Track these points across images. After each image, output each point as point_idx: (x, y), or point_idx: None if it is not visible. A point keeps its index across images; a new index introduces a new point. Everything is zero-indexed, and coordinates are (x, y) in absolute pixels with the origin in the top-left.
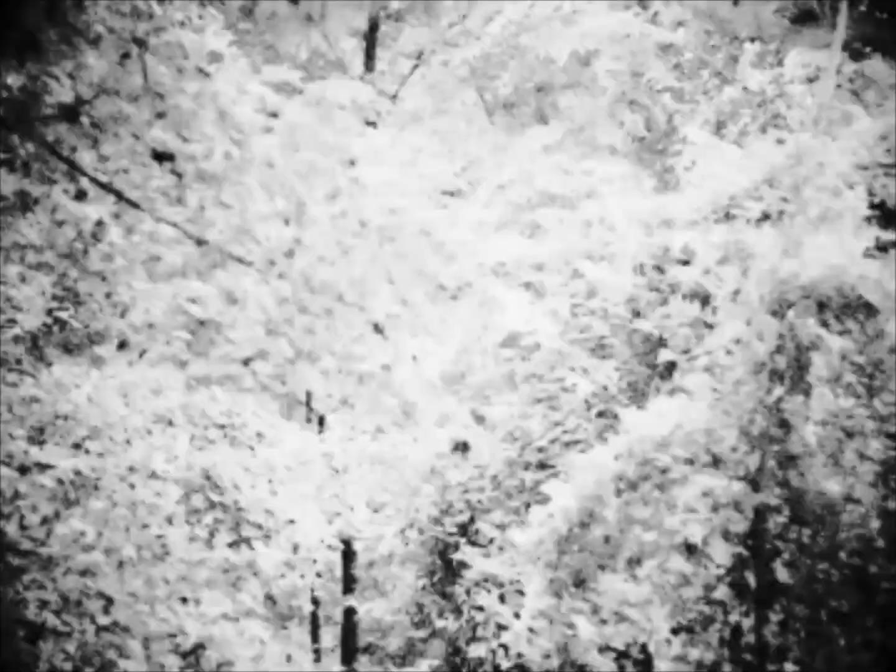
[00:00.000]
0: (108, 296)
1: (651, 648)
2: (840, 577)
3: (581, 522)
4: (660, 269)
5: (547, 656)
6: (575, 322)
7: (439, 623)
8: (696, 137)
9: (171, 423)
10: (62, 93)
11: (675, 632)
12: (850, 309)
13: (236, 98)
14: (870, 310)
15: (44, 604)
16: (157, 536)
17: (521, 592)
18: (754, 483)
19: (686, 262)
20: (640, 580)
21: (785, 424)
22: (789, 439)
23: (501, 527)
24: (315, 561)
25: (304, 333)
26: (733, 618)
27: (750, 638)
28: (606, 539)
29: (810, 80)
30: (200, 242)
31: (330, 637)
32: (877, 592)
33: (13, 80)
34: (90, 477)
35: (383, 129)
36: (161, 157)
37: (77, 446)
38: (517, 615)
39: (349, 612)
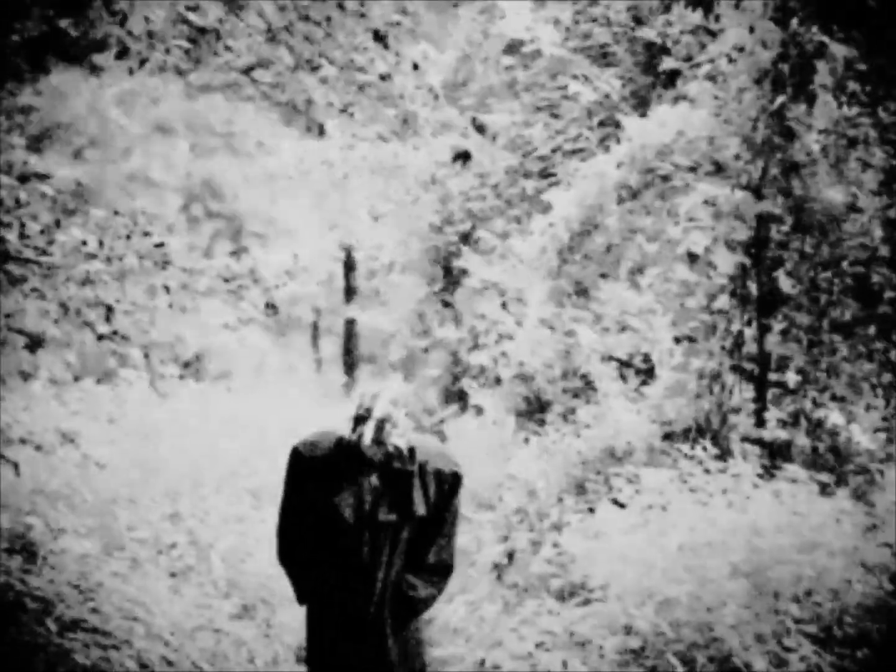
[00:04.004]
0: (106, 3)
1: (653, 357)
2: (842, 287)
3: (582, 231)
4: None
5: (549, 365)
6: (577, 29)
7: (440, 332)
8: None
9: (170, 132)
10: None
11: (677, 341)
12: (854, 16)
13: None
14: (874, 16)
15: (44, 313)
16: (158, 245)
17: (522, 301)
18: (757, 191)
19: None
20: (642, 289)
21: (788, 132)
22: (792, 147)
23: (503, 235)
24: (315, 270)
25: (304, 41)
26: (735, 327)
27: (752, 347)
28: (608, 248)
29: None
30: None
31: (331, 347)
32: (879, 302)
33: None
34: (90, 186)
35: None
36: None
37: (77, 155)
38: (519, 323)
39: (350, 322)
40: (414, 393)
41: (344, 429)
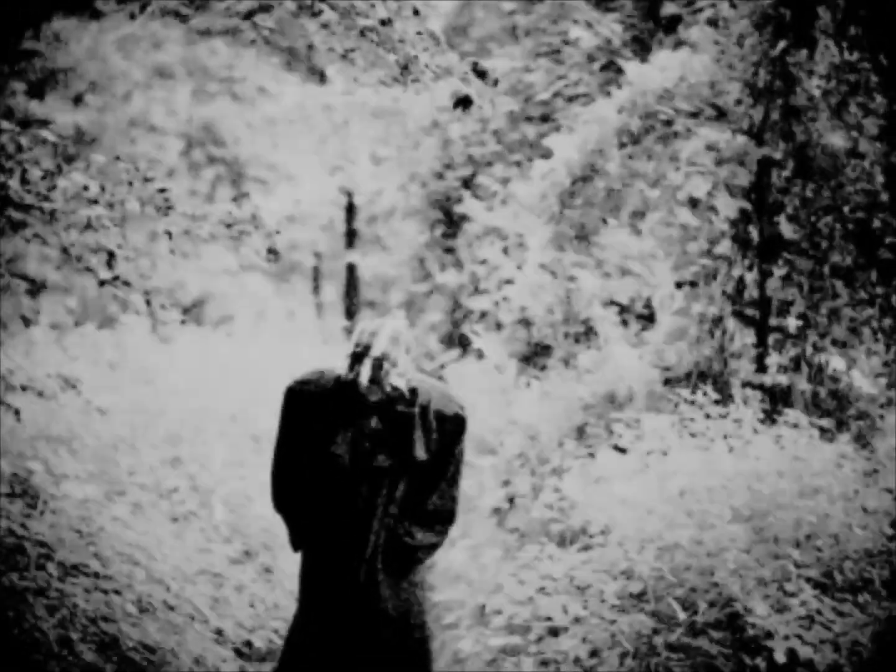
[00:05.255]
0: None
1: (655, 302)
2: (843, 232)
3: (583, 176)
4: None
5: (550, 310)
6: None
7: (441, 277)
8: None
9: (171, 77)
10: None
11: (678, 286)
12: None
13: None
14: None
15: (46, 259)
16: (160, 190)
17: (523, 246)
18: (758, 136)
19: None
20: (643, 234)
21: (789, 78)
22: (793, 93)
23: (504, 180)
24: (316, 215)
25: None
26: (736, 272)
27: (753, 292)
28: (609, 193)
29: None
30: None
31: (332, 292)
32: (880, 247)
33: None
34: (91, 131)
35: None
36: None
37: (77, 101)
38: (520, 268)
39: (351, 267)
40: (415, 338)
41: (341, 367)
